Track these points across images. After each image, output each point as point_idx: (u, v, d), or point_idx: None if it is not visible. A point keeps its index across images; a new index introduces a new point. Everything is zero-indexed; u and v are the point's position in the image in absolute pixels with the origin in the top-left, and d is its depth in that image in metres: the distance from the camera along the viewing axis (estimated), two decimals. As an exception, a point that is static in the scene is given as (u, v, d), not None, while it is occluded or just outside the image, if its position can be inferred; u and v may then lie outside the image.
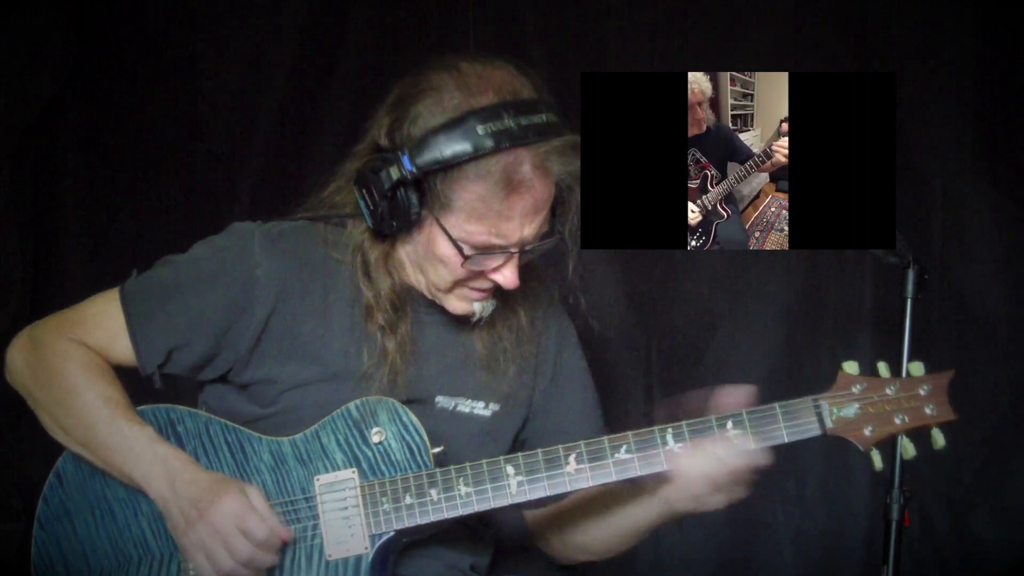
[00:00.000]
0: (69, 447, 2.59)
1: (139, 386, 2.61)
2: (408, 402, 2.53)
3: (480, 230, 2.44)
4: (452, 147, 2.38)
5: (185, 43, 3.94)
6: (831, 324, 3.73)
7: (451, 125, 2.39)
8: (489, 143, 2.38)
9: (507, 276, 2.50)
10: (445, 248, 2.47)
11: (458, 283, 2.53)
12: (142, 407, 2.57)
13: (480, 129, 2.38)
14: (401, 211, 2.45)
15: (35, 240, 3.91)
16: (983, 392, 3.59)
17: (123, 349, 2.59)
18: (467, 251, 2.45)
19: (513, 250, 2.47)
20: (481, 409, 2.65)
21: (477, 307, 2.57)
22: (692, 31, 3.78)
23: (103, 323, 2.59)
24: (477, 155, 2.38)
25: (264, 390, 2.58)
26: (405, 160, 2.41)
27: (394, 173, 2.42)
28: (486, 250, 2.46)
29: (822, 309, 3.75)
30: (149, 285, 2.60)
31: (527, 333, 2.69)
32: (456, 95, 2.42)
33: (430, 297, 2.59)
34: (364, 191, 2.48)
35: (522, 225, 2.45)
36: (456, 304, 2.57)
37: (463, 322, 2.62)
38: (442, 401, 2.63)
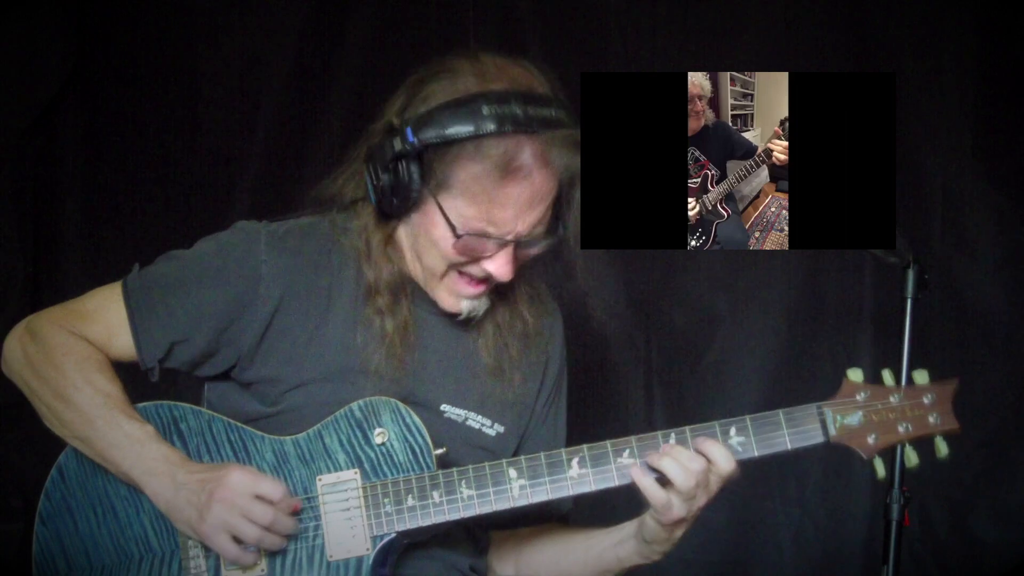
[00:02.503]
0: (66, 439, 2.58)
1: (141, 384, 2.61)
2: (412, 405, 2.52)
3: (475, 214, 2.44)
4: (455, 124, 2.39)
5: (185, 43, 3.94)
6: (831, 324, 3.72)
7: (458, 103, 2.40)
8: (491, 125, 2.38)
9: (499, 265, 2.49)
10: (440, 229, 2.47)
11: (452, 268, 2.52)
12: (145, 404, 2.57)
13: (485, 110, 2.39)
14: (401, 186, 2.45)
15: (35, 240, 3.91)
16: (983, 393, 3.59)
17: (123, 343, 2.58)
18: (460, 230, 2.45)
19: (508, 238, 2.47)
20: (488, 428, 2.65)
21: (465, 305, 2.56)
22: (692, 31, 3.78)
23: (103, 316, 2.59)
24: (478, 135, 2.39)
25: (268, 389, 2.58)
26: (408, 132, 2.42)
27: (396, 144, 2.43)
28: (480, 235, 2.46)
29: (822, 309, 3.75)
30: (152, 279, 2.60)
31: (533, 340, 2.69)
32: (471, 79, 2.44)
33: (424, 288, 2.58)
34: (369, 165, 2.49)
35: (517, 216, 2.45)
36: (446, 297, 2.56)
37: (467, 323, 2.61)
38: (448, 410, 2.62)
